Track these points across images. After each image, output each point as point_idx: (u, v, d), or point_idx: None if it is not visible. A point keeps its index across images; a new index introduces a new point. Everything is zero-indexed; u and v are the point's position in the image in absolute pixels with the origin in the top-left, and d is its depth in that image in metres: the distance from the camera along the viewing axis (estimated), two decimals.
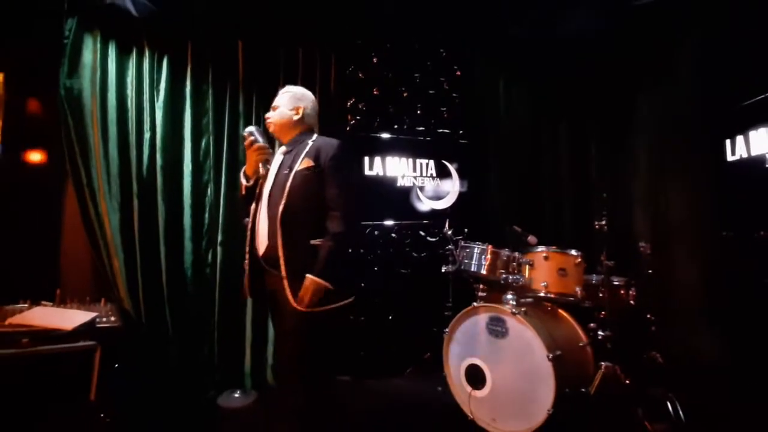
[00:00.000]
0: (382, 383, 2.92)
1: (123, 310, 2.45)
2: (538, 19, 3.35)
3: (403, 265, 3.27)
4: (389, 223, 3.27)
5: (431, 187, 3.41)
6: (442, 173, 3.45)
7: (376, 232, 3.22)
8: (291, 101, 1.85)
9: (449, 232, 2.80)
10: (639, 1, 3.14)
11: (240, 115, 2.90)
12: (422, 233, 3.34)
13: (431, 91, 3.40)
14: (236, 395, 2.66)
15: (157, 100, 2.70)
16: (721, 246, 2.59)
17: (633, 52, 3.28)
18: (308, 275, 1.59)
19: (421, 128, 3.38)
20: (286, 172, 1.71)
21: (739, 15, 2.49)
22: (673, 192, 3.03)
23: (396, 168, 3.31)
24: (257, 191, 1.80)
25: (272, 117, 1.86)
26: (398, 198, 3.30)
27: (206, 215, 2.79)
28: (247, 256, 1.75)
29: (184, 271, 2.69)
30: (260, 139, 1.76)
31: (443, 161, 3.45)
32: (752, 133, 2.39)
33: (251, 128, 1.79)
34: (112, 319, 2.03)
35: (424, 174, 3.40)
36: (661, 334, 2.46)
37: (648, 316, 2.44)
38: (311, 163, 1.69)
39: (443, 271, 2.72)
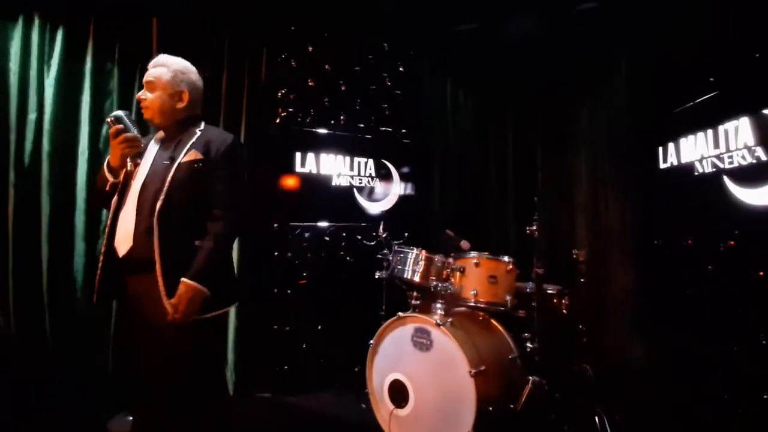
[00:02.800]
0: (306, 400, 2.67)
1: None
2: (484, 18, 3.27)
3: (337, 271, 3.04)
4: (322, 224, 3.04)
5: (370, 187, 3.22)
6: (382, 173, 3.26)
7: (306, 234, 2.97)
8: (173, 83, 1.53)
9: (384, 236, 2.61)
10: (581, 6, 3.13)
11: None
12: (359, 236, 3.13)
13: (372, 87, 3.22)
14: (131, 418, 2.32)
15: (48, 77, 2.35)
16: (653, 254, 2.55)
17: (575, 61, 3.26)
18: (183, 279, 1.38)
19: (360, 125, 3.19)
20: (166, 162, 1.46)
21: (669, 23, 2.49)
22: (611, 200, 3.01)
23: (331, 166, 3.09)
24: (120, 184, 1.52)
25: (148, 102, 1.52)
26: (333, 198, 3.08)
27: (104, 211, 2.44)
28: (102, 255, 1.48)
29: (74, 275, 2.34)
30: (131, 128, 1.47)
31: (383, 161, 3.27)
32: (682, 141, 2.36)
33: (119, 113, 1.48)
34: None
35: (362, 173, 3.20)
36: (593, 345, 2.38)
37: (580, 326, 2.35)
38: (199, 156, 1.47)
39: (377, 277, 2.53)
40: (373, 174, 3.24)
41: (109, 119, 1.46)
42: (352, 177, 3.16)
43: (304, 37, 3.00)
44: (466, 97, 3.62)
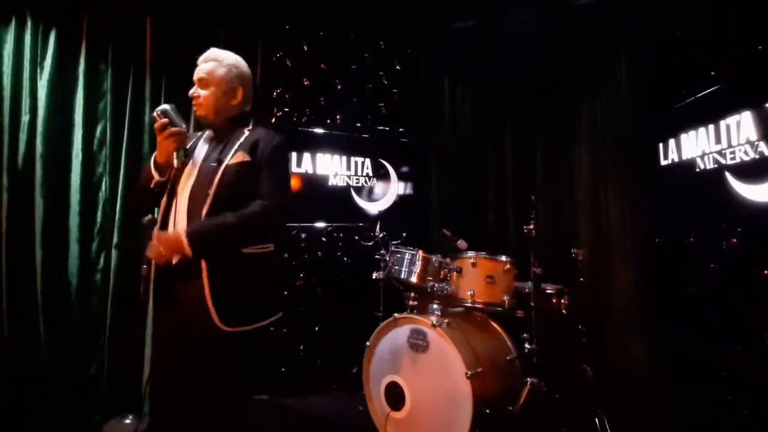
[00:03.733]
0: (303, 402, 2.65)
1: None
2: (482, 14, 3.23)
3: (334, 271, 3.02)
4: (319, 225, 3.01)
5: (367, 187, 3.19)
6: (380, 173, 3.23)
7: (303, 235, 2.95)
8: (227, 79, 1.46)
9: (381, 236, 2.58)
10: (580, 1, 3.09)
11: (146, 100, 2.57)
12: (356, 237, 3.11)
13: (369, 85, 3.19)
14: (127, 421, 2.30)
15: (41, 79, 2.34)
16: (654, 253, 2.51)
17: (574, 57, 3.22)
18: (179, 231, 1.32)
19: (357, 124, 3.16)
20: (213, 164, 1.41)
21: (670, 17, 2.44)
22: (612, 198, 2.96)
23: (328, 166, 3.06)
24: (169, 183, 1.46)
25: (202, 98, 1.46)
26: (330, 198, 3.05)
27: (99, 213, 2.43)
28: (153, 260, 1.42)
29: (68, 278, 2.32)
30: (177, 122, 1.40)
31: (381, 160, 3.24)
32: (683, 137, 2.32)
33: (166, 107, 1.41)
34: None
35: (359, 173, 3.17)
36: (593, 345, 2.34)
37: (580, 326, 2.31)
38: (246, 158, 1.41)
39: (374, 277, 2.50)
40: (371, 173, 3.21)
41: (155, 113, 1.40)
42: (349, 177, 3.13)
43: (299, 36, 2.97)
44: (464, 95, 3.58)
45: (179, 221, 1.40)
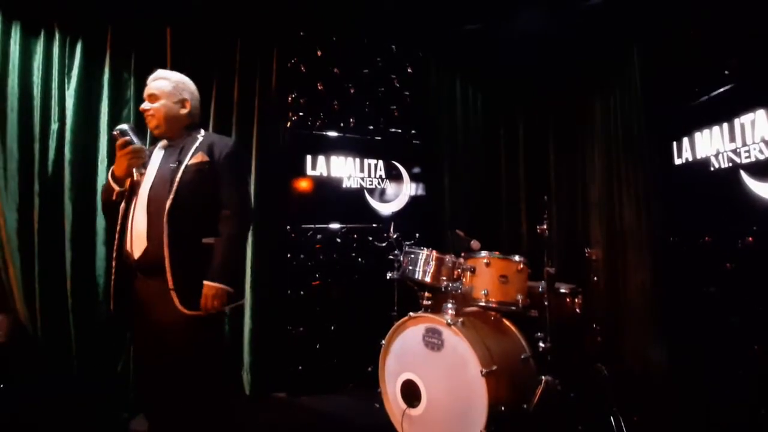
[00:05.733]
0: (319, 400, 2.71)
1: (17, 323, 2.17)
2: (493, 15, 3.26)
3: (349, 272, 3.07)
4: (334, 226, 3.07)
5: (380, 189, 3.24)
6: (393, 175, 3.28)
7: (318, 236, 3.01)
8: (175, 92, 1.63)
9: (394, 237, 2.63)
10: (591, 1, 3.09)
11: None
12: (370, 238, 3.16)
13: (381, 89, 3.24)
14: None
15: (68, 88, 2.44)
16: (669, 252, 2.50)
17: (586, 56, 3.22)
18: (206, 282, 1.47)
19: (369, 127, 3.21)
20: (173, 165, 1.54)
21: (682, 15, 2.44)
22: (625, 197, 2.96)
23: (342, 168, 3.12)
24: (127, 191, 1.59)
25: (153, 110, 1.59)
26: (344, 200, 3.11)
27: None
28: (114, 261, 1.54)
29: (96, 279, 2.42)
30: (135, 139, 1.53)
31: (393, 162, 3.28)
32: (697, 135, 2.31)
33: (124, 126, 1.54)
34: None
35: (372, 175, 3.22)
36: (608, 344, 2.34)
37: (594, 325, 2.32)
38: (205, 158, 1.56)
39: (388, 277, 2.56)
40: (384, 175, 3.25)
41: (115, 132, 1.53)
42: (362, 179, 3.18)
43: (313, 42, 3.04)
44: (475, 96, 3.61)
45: (139, 222, 1.50)
